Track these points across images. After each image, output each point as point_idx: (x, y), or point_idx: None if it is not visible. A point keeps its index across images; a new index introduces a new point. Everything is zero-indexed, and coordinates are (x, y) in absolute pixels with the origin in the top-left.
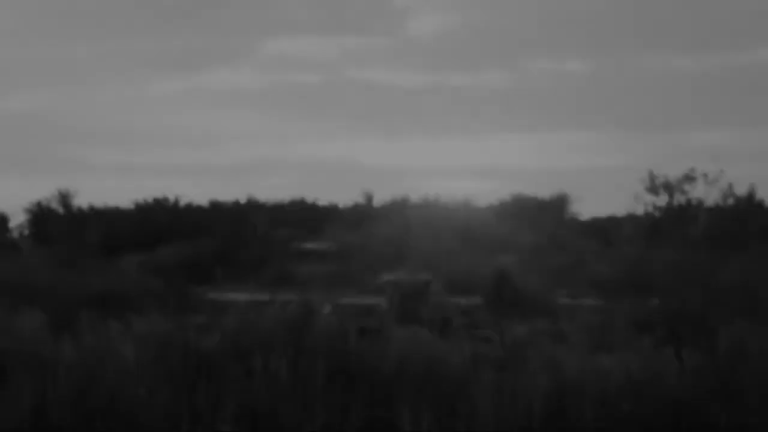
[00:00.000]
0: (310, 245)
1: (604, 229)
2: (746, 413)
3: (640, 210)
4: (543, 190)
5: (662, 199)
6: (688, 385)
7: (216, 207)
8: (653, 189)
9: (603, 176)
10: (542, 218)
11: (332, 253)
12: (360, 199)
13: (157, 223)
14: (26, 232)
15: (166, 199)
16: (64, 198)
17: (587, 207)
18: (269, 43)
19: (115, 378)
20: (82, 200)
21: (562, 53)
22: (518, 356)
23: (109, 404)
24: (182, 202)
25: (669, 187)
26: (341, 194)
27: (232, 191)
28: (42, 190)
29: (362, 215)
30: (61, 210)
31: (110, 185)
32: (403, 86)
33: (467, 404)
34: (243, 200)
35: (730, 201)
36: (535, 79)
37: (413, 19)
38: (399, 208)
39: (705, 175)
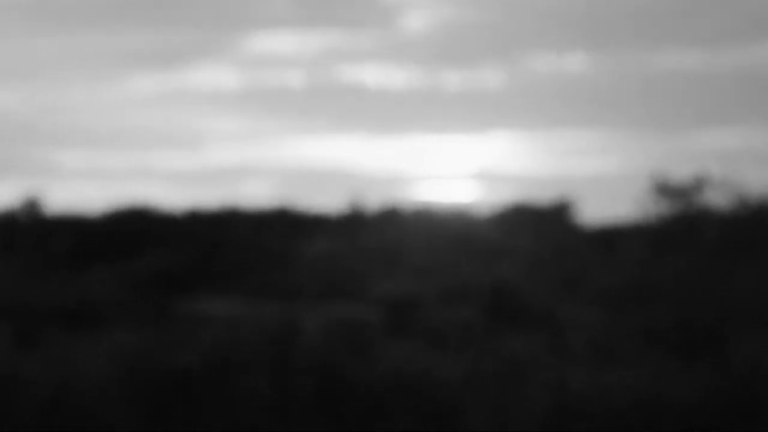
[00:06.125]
0: (295, 254)
1: (609, 236)
2: (760, 429)
3: (647, 216)
4: (544, 194)
5: (671, 205)
6: (700, 401)
7: (195, 213)
8: (661, 194)
9: (607, 180)
10: (543, 226)
11: (320, 262)
12: (349, 205)
13: (132, 231)
14: None
15: (141, 206)
16: (32, 205)
17: (591, 213)
18: (251, 39)
19: (83, 397)
20: (50, 207)
21: (562, 49)
22: (518, 371)
23: (78, 423)
24: (158, 208)
25: (678, 192)
26: (329, 199)
27: (211, 196)
28: (8, 196)
29: (351, 222)
30: (28, 217)
31: (81, 190)
32: (394, 85)
33: (464, 421)
34: (224, 206)
35: (743, 206)
36: (534, 77)
37: (404, 14)
38: (391, 214)
39: (716, 179)
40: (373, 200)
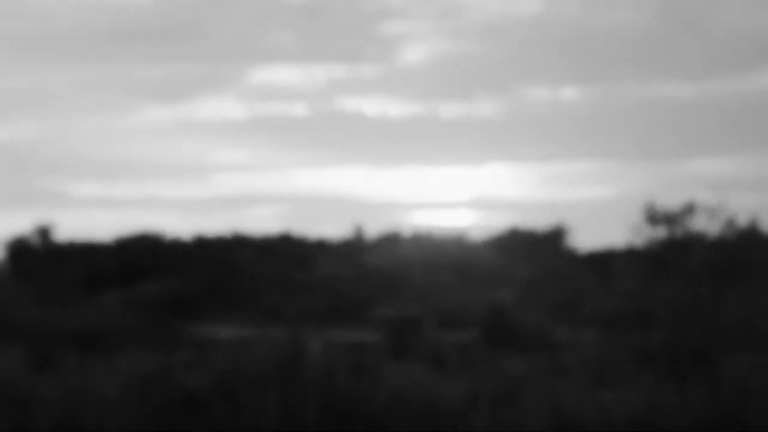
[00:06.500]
0: (299, 279)
1: (603, 261)
2: None
3: (639, 242)
4: (539, 221)
5: (662, 231)
6: (691, 420)
7: (202, 240)
8: (653, 220)
9: (601, 207)
10: (539, 251)
11: (323, 286)
12: (350, 232)
13: (141, 258)
14: (4, 267)
15: (149, 233)
16: (44, 232)
17: (585, 239)
18: (256, 72)
19: (96, 417)
20: (62, 234)
21: (557, 80)
22: (515, 392)
23: None
24: (166, 236)
25: (669, 219)
26: (331, 226)
27: (218, 223)
28: (21, 224)
29: (353, 248)
30: (40, 245)
31: (91, 218)
32: (394, 115)
33: None
34: (230, 233)
35: (732, 232)
36: (529, 108)
37: (403, 47)
38: (391, 240)
39: (706, 206)
40: (374, 227)
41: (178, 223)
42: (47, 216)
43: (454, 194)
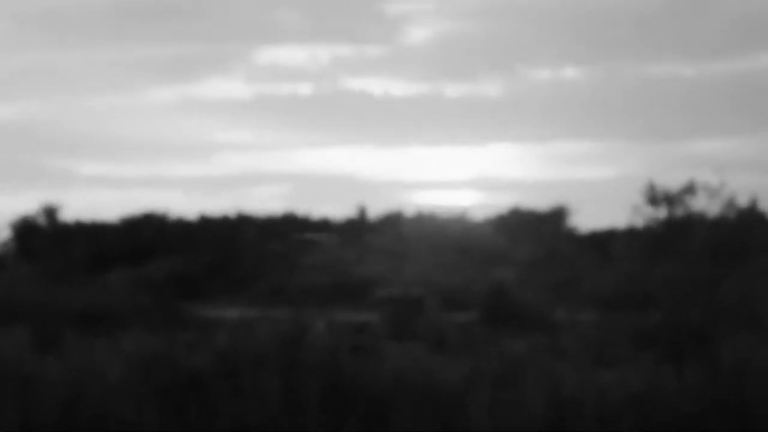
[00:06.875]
0: (302, 258)
1: (603, 242)
2: (749, 428)
3: (639, 222)
4: (541, 201)
5: (662, 211)
6: (690, 400)
7: (206, 220)
8: (653, 201)
9: (602, 187)
10: (540, 231)
11: (326, 266)
12: (354, 212)
13: (146, 237)
14: (11, 247)
15: (155, 213)
16: (50, 212)
17: (586, 219)
18: (261, 53)
19: (101, 397)
20: (68, 214)
21: (559, 61)
22: (515, 372)
23: (95, 424)
24: (172, 215)
25: (669, 199)
26: (334, 206)
27: (222, 203)
28: (27, 203)
29: (356, 228)
30: (47, 224)
31: (97, 198)
32: (398, 95)
33: (464, 421)
34: (234, 213)
35: (732, 213)
36: (532, 88)
37: (407, 27)
38: (394, 220)
39: (706, 186)
40: (377, 207)
41: (183, 202)
42: (54, 196)
43: (456, 174)
